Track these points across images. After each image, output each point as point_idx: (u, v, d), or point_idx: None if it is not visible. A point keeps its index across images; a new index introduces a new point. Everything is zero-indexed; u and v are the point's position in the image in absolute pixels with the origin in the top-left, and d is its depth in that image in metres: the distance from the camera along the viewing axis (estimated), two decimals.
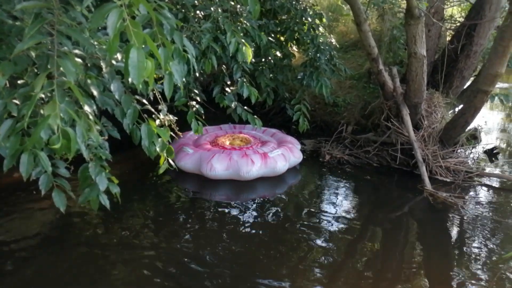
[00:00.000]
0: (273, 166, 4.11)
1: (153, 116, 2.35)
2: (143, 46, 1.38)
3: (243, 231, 3.30)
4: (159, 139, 2.25)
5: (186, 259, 2.88)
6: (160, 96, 2.38)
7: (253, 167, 3.99)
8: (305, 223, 3.44)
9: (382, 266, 3.01)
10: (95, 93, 1.93)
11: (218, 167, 3.97)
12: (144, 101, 2.26)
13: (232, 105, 3.77)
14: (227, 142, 4.55)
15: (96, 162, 1.98)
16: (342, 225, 3.43)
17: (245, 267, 2.83)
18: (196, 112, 3.33)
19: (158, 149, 2.23)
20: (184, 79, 2.90)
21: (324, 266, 2.87)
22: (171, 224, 3.31)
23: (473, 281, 2.75)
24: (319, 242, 3.17)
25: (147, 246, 3.02)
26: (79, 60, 1.87)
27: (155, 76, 2.85)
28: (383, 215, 3.74)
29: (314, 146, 5.11)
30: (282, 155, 4.23)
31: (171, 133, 2.49)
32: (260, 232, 3.28)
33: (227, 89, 3.80)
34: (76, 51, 1.93)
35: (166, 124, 2.35)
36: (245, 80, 3.56)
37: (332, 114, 5.68)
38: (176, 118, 2.46)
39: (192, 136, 4.70)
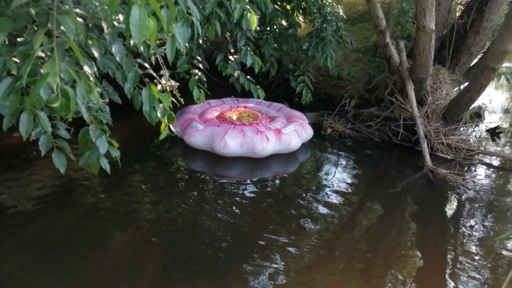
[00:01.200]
0: (287, 143, 4.00)
1: (155, 81, 2.32)
2: (146, 5, 1.34)
3: (243, 198, 3.32)
4: (160, 105, 2.23)
5: (185, 224, 2.91)
6: (162, 61, 2.34)
7: (268, 144, 3.87)
8: (305, 195, 3.46)
9: (378, 239, 3.04)
10: (96, 54, 1.89)
11: (232, 144, 3.81)
12: (146, 65, 2.22)
13: (235, 74, 3.71)
14: (234, 117, 4.39)
15: (97, 125, 1.96)
16: (341, 198, 3.44)
17: (244, 232, 2.87)
18: (198, 80, 3.28)
19: (159, 115, 2.22)
20: (187, 45, 2.85)
21: (322, 236, 2.91)
22: (172, 191, 3.33)
23: (467, 259, 2.78)
24: (318, 213, 3.20)
25: (146, 211, 3.05)
26: (80, 19, 1.82)
27: (157, 41, 2.81)
28: (382, 190, 3.76)
29: (316, 119, 5.08)
30: (295, 132, 4.12)
31: (173, 99, 2.47)
32: (260, 201, 3.30)
33: (230, 57, 3.74)
34: (77, 10, 1.88)
35: (168, 90, 2.32)
36: (249, 48, 3.49)
37: (336, 87, 5.61)
38: (178, 84, 2.43)
39: (196, 110, 4.55)
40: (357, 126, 4.85)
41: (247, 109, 4.68)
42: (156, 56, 2.26)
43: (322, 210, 3.25)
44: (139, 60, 2.16)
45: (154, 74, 2.24)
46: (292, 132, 4.06)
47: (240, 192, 3.41)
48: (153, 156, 4.02)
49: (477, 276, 2.63)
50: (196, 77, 3.28)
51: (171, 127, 2.37)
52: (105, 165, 2.29)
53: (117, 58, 1.97)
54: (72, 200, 3.13)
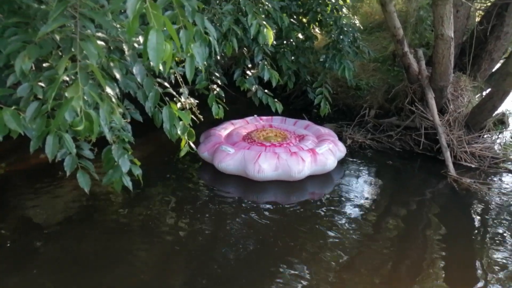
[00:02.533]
0: (323, 163, 3.82)
1: (174, 99, 2.37)
2: (164, 29, 1.38)
3: (262, 215, 3.32)
4: (180, 122, 2.27)
5: (209, 241, 2.93)
6: (181, 79, 2.39)
7: (304, 166, 3.67)
8: (327, 206, 3.44)
9: (402, 251, 2.99)
10: (117, 76, 1.95)
11: (267, 168, 3.61)
12: (166, 84, 2.27)
13: (253, 88, 3.74)
14: (262, 138, 4.19)
15: (119, 145, 2.01)
16: (364, 211, 3.41)
17: (265, 249, 2.86)
18: (217, 96, 3.33)
19: (179, 132, 2.25)
20: (205, 62, 2.90)
21: (345, 250, 2.87)
22: (193, 207, 3.36)
23: (495, 270, 2.71)
24: (341, 226, 3.17)
25: (168, 228, 3.08)
26: (101, 43, 1.89)
27: (177, 59, 2.87)
28: (405, 200, 3.69)
29: (335, 130, 5.04)
30: (330, 150, 3.97)
31: (192, 116, 2.51)
32: (278, 215, 3.29)
33: (248, 72, 3.77)
34: (99, 34, 1.95)
35: (187, 107, 2.36)
36: (266, 63, 3.53)
37: (355, 97, 5.58)
38: (197, 101, 2.47)
39: (221, 132, 4.37)
40: (377, 136, 4.81)
41: (273, 128, 4.53)
42: (175, 74, 2.31)
43: (345, 223, 3.22)
44: (159, 80, 2.21)
45: (174, 93, 2.29)
46: (327, 152, 3.92)
47: (256, 210, 3.41)
48: (174, 171, 4.07)
49: (505, 282, 2.56)
50: (215, 92, 3.32)
51: (191, 143, 2.41)
52: (128, 183, 2.34)
53: (138, 79, 2.03)
54: (97, 217, 3.19)
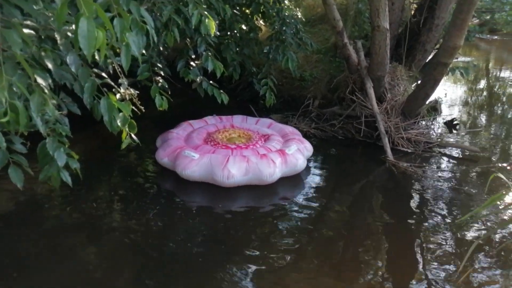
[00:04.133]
0: (293, 164, 3.67)
1: (113, 90, 2.31)
2: (97, 17, 1.35)
3: (213, 209, 3.34)
4: (120, 114, 2.22)
5: (157, 233, 2.90)
6: (120, 70, 2.33)
7: (276, 168, 3.50)
8: (273, 197, 3.52)
9: (348, 233, 3.14)
10: (50, 66, 1.87)
11: (236, 173, 3.38)
12: (103, 74, 2.21)
13: (198, 79, 3.72)
14: (225, 139, 3.97)
15: (54, 138, 1.93)
16: (309, 197, 3.52)
17: (214, 243, 2.89)
18: (161, 88, 3.28)
19: (119, 124, 2.20)
20: (145, 52, 2.85)
21: (293, 236, 2.97)
22: (139, 202, 3.30)
23: (432, 245, 2.93)
24: (288, 214, 3.26)
25: (114, 224, 3.02)
26: (30, 31, 1.80)
27: (118, 50, 2.78)
28: (348, 186, 3.87)
29: (281, 121, 5.15)
30: (299, 150, 3.84)
31: (134, 108, 2.46)
32: (229, 209, 3.33)
33: (191, 63, 3.74)
34: (28, 22, 1.85)
35: (127, 98, 2.31)
36: (209, 53, 3.52)
37: (299, 88, 5.72)
38: (138, 92, 2.42)
39: (179, 134, 4.08)
40: (321, 125, 4.97)
41: (235, 128, 4.26)
42: (114, 65, 2.25)
43: (292, 210, 3.31)
44: (96, 70, 2.14)
45: (112, 83, 2.23)
46: (296, 152, 3.78)
47: (217, 206, 3.42)
48: (118, 165, 3.97)
49: (443, 259, 2.78)
50: (159, 84, 3.27)
51: (133, 135, 2.37)
52: (66, 178, 2.25)
53: (72, 69, 1.96)
54: (37, 215, 3.05)
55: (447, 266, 2.70)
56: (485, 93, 8.32)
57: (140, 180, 3.69)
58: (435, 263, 2.73)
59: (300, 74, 5.45)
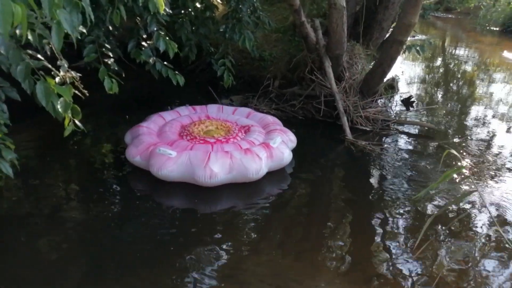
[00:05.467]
0: (280, 158, 3.43)
1: (52, 73, 2.14)
2: None
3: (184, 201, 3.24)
4: (61, 99, 2.07)
5: (115, 224, 2.78)
6: (58, 52, 2.16)
7: (262, 164, 3.24)
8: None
9: (309, 213, 3.15)
10: None
11: (219, 171, 3.08)
12: (39, 56, 2.04)
13: (151, 60, 3.55)
14: (202, 133, 3.63)
15: None
16: (275, 179, 3.48)
17: (180, 234, 2.81)
18: (112, 70, 3.11)
19: (60, 110, 2.06)
20: (86, 32, 2.66)
21: (255, 220, 2.94)
22: (96, 192, 3.15)
23: (389, 221, 2.99)
24: (249, 198, 3.22)
25: (70, 215, 2.87)
26: None
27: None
28: (309, 165, 3.86)
29: (242, 102, 5.07)
30: (284, 142, 3.61)
31: (77, 92, 2.31)
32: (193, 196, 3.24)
33: (143, 43, 3.56)
34: None
35: (68, 82, 2.15)
36: (161, 33, 3.35)
37: (259, 68, 5.62)
38: (80, 75, 2.27)
39: (150, 127, 3.70)
40: (281, 106, 4.92)
41: (212, 119, 3.90)
42: (50, 45, 2.08)
43: (253, 193, 3.27)
44: (30, 52, 1.97)
45: (50, 66, 2.07)
46: (281, 144, 3.54)
47: (179, 196, 3.30)
48: (72, 154, 3.78)
49: (401, 233, 2.85)
50: (110, 66, 3.10)
51: (77, 121, 2.22)
52: (7, 169, 2.10)
53: (1, 51, 1.79)
54: None
55: (405, 240, 2.77)
56: (441, 70, 8.56)
57: (99, 168, 3.53)
58: (394, 238, 2.80)
59: (260, 54, 5.35)
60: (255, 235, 2.77)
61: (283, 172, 3.64)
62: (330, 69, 4.55)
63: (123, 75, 3.33)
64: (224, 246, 2.60)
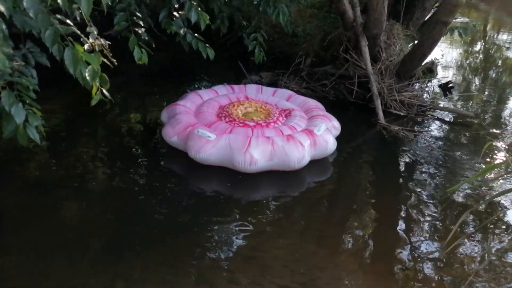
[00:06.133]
0: (323, 147, 3.24)
1: (82, 40, 2.09)
2: None
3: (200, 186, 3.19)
4: (89, 67, 2.02)
5: (139, 197, 2.77)
6: (89, 19, 2.10)
7: (305, 152, 3.07)
8: None
9: (334, 198, 3.07)
10: (2, 9, 1.64)
11: (260, 158, 2.94)
12: (69, 21, 1.98)
13: (181, 31, 3.46)
14: (241, 114, 3.48)
15: (9, 92, 1.74)
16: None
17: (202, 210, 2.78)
18: (143, 41, 3.04)
19: (88, 78, 2.01)
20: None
21: (279, 201, 2.87)
22: (124, 164, 3.15)
23: (421, 211, 2.88)
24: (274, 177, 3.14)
25: (96, 186, 2.88)
26: None
27: None
28: (338, 148, 3.72)
29: (271, 79, 4.94)
30: (328, 130, 3.41)
31: (109, 63, 2.26)
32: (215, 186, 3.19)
33: (174, 13, 3.46)
34: None
35: (97, 49, 2.10)
36: (194, 3, 3.24)
37: (291, 45, 5.44)
38: (109, 43, 2.20)
39: (187, 106, 3.55)
40: (312, 85, 4.76)
41: (251, 101, 3.71)
42: (80, 11, 2.02)
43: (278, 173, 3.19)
44: (59, 16, 1.92)
45: (78, 32, 2.01)
46: (325, 132, 3.34)
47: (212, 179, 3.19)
48: (100, 123, 3.78)
49: (430, 228, 2.73)
50: (140, 36, 3.03)
51: (104, 91, 2.18)
52: (34, 135, 2.09)
53: (30, 14, 1.73)
54: (10, 174, 2.89)
55: (435, 233, 2.65)
56: (480, 56, 8.10)
57: (127, 140, 3.53)
58: (422, 232, 2.67)
59: (293, 30, 5.16)
60: (277, 219, 2.70)
61: None
62: (366, 48, 4.34)
63: (153, 46, 3.26)
64: (248, 230, 2.55)
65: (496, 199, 2.95)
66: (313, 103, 3.87)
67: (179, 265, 2.22)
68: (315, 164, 3.29)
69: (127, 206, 2.66)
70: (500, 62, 7.71)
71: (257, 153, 2.94)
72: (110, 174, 3.04)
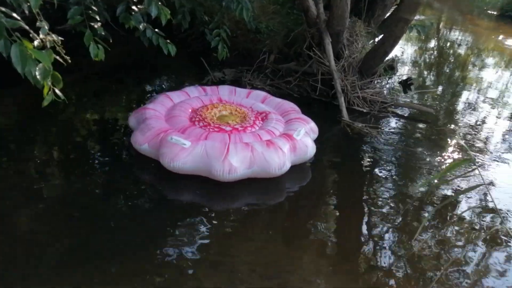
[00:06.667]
0: (303, 152, 3.11)
1: (31, 35, 1.91)
2: None
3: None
4: (40, 64, 1.85)
5: (99, 205, 2.61)
6: (38, 12, 1.92)
7: (285, 158, 2.92)
8: None
9: (298, 196, 3.02)
10: None
11: (239, 166, 2.77)
12: (15, 15, 1.81)
13: (141, 27, 3.29)
14: (215, 118, 3.27)
15: None
16: None
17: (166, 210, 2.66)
18: (100, 36, 2.86)
19: (38, 77, 1.84)
20: None
21: (244, 201, 2.80)
22: (80, 166, 2.96)
23: (382, 207, 2.89)
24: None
25: (52, 190, 2.69)
26: None
27: None
28: None
29: (235, 76, 4.85)
30: (307, 134, 3.28)
31: (61, 60, 2.09)
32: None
33: (133, 7, 3.30)
34: None
35: (48, 46, 1.93)
36: None
37: (255, 41, 5.37)
38: (62, 39, 2.04)
39: (157, 110, 3.30)
40: (276, 82, 4.72)
41: (225, 103, 3.53)
42: (28, 4, 1.85)
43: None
44: (3, 9, 1.74)
45: (27, 27, 1.84)
46: (305, 136, 3.21)
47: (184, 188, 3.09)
48: (53, 124, 3.55)
49: (391, 222, 2.74)
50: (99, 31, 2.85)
51: (57, 90, 2.01)
52: None
53: None
54: None
55: (400, 232, 2.67)
56: (435, 52, 8.39)
57: (83, 141, 3.33)
58: (388, 229, 2.69)
59: (256, 26, 5.09)
60: (246, 222, 2.64)
61: None
62: (329, 45, 4.35)
63: (111, 41, 3.09)
64: (215, 235, 2.47)
65: (460, 195, 3.02)
66: (288, 105, 3.73)
67: (140, 276, 2.10)
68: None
69: (84, 215, 2.50)
70: (453, 59, 8.03)
71: (236, 161, 2.77)
72: (66, 180, 2.84)
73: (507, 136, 4.33)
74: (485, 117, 4.77)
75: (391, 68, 5.19)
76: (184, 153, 2.78)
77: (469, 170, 3.12)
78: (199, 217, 2.57)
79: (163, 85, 4.81)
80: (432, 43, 9.11)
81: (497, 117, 4.85)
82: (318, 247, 2.48)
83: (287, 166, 2.96)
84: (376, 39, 5.18)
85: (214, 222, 2.55)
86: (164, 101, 3.48)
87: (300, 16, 5.10)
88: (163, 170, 2.85)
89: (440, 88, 5.79)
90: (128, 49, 4.85)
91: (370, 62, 4.49)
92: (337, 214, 2.85)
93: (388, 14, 5.34)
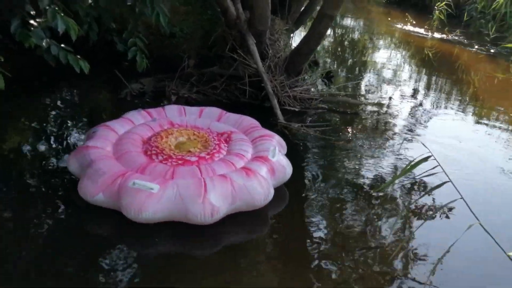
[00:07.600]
0: (282, 173, 2.78)
1: None
2: None
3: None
4: None
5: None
6: None
7: (269, 186, 2.58)
8: None
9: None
10: None
11: (221, 205, 2.35)
12: None
13: (44, 44, 2.78)
14: (174, 147, 2.80)
15: None
16: None
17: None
18: None
19: None
20: None
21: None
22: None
23: (346, 208, 2.87)
24: None
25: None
26: None
27: None
28: None
29: (155, 86, 4.44)
30: (279, 151, 2.93)
31: None
32: None
33: (31, 21, 2.76)
34: None
35: None
36: (57, 8, 2.61)
37: (170, 46, 4.99)
38: None
39: (104, 147, 2.71)
40: (202, 88, 4.42)
41: (178, 127, 3.04)
42: None
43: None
44: None
45: None
46: (279, 156, 2.86)
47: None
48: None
49: (358, 226, 2.69)
50: None
51: None
52: None
53: None
54: None
55: (365, 234, 2.61)
56: (336, 40, 8.75)
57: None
58: (349, 231, 2.64)
59: (170, 30, 4.71)
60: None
61: None
62: (254, 46, 4.17)
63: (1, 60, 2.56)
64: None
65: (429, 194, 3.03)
66: (248, 122, 3.33)
67: None
68: None
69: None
70: (355, 44, 8.47)
71: (217, 200, 2.34)
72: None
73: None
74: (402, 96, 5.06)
75: (316, 63, 5.21)
76: (153, 200, 2.28)
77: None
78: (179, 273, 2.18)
79: (68, 101, 4.24)
80: (329, 31, 9.51)
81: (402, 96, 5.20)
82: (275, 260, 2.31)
83: (272, 193, 2.61)
84: (292, 35, 5.15)
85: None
86: (107, 135, 2.85)
87: (215, 15, 4.85)
88: (124, 220, 2.33)
89: (355, 74, 6.02)
90: (33, 60, 4.14)
91: (296, 60, 4.42)
92: (288, 222, 2.71)
93: (302, 9, 5.35)
